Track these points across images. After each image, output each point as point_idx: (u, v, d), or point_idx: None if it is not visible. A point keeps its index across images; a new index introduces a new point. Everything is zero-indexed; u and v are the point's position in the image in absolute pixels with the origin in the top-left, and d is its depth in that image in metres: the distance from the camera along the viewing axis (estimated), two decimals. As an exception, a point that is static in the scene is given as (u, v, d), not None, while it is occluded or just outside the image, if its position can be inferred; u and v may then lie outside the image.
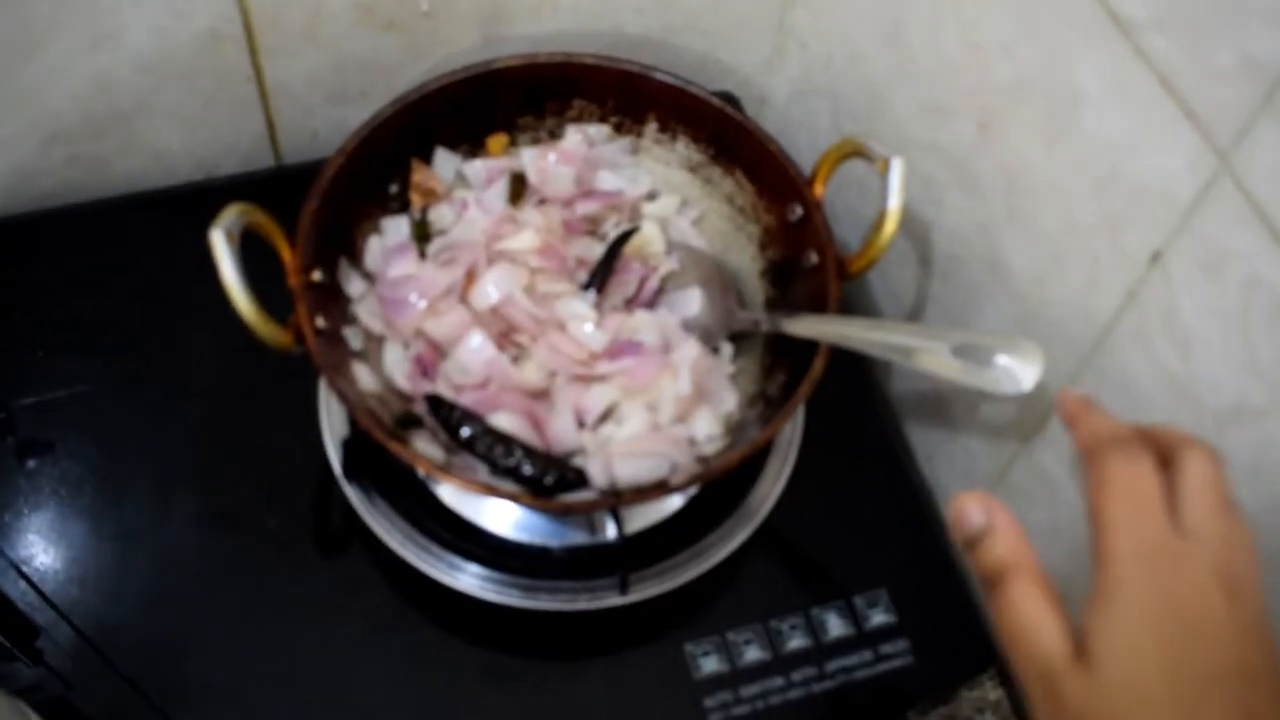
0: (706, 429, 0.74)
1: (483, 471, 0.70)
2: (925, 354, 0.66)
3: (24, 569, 0.75)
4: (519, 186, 0.81)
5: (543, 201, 0.81)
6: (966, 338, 0.66)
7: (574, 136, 0.83)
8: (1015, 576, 0.47)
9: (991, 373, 0.65)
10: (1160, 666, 0.43)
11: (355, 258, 0.78)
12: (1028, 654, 0.45)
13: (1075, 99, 0.67)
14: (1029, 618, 0.46)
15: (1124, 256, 0.67)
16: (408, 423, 0.72)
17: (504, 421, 0.72)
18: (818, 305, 0.73)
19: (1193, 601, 0.44)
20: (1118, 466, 0.47)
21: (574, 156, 0.80)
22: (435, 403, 0.73)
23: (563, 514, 0.75)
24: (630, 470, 0.70)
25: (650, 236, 0.80)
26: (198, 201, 0.90)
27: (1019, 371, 0.64)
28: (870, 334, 0.68)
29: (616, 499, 0.67)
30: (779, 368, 0.75)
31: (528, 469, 0.70)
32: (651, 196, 0.84)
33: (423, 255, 0.78)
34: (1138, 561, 0.45)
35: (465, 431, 0.71)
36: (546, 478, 0.70)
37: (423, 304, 0.75)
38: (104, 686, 0.72)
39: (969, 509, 0.49)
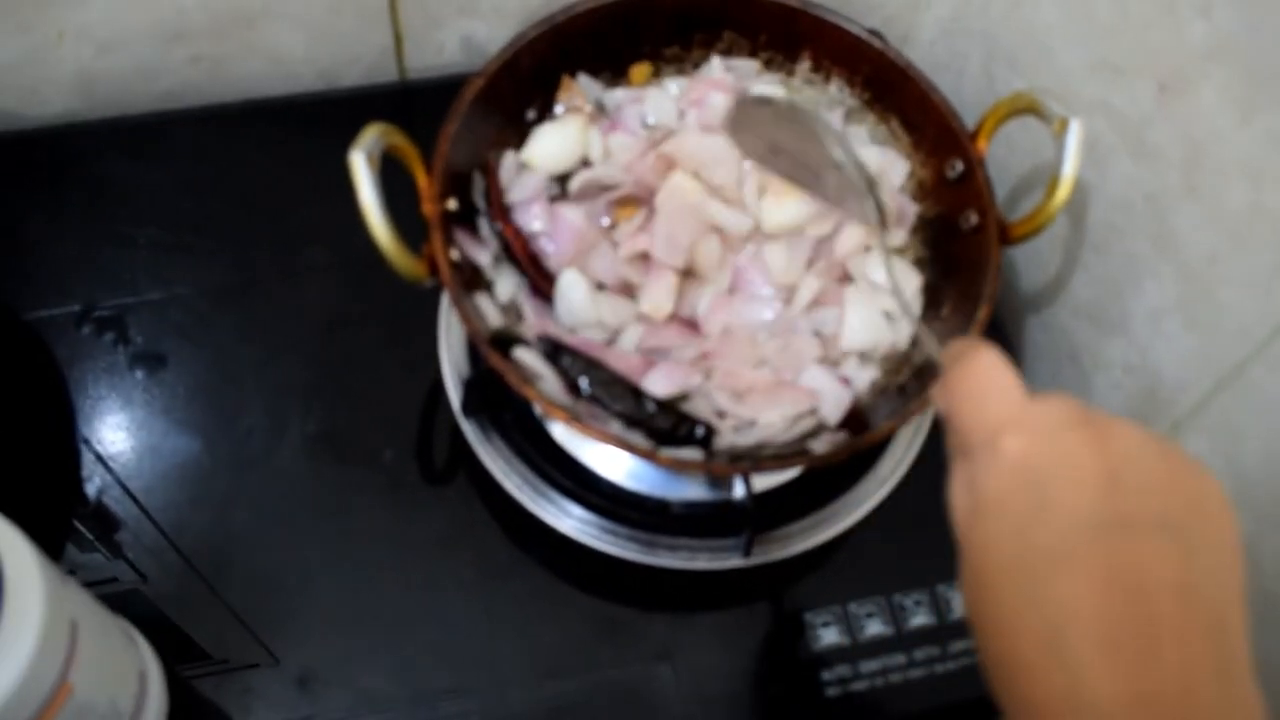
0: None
1: (615, 424, 0.66)
2: None
3: (128, 484, 0.74)
4: None
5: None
6: None
7: (717, 68, 0.79)
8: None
9: None
10: (1009, 542, 0.40)
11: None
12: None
13: (1284, 70, 0.62)
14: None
15: (1320, 246, 0.62)
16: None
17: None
18: (975, 270, 0.69)
19: (1047, 456, 0.41)
20: (955, 368, 0.46)
21: (725, 84, 0.76)
22: (553, 349, 0.69)
23: (699, 474, 0.72)
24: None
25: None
26: (318, 112, 0.90)
27: None
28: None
29: (754, 464, 0.64)
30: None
31: (659, 422, 0.67)
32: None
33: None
34: (987, 434, 0.42)
35: (583, 384, 0.67)
36: (679, 430, 0.67)
37: (552, 249, 0.72)
38: (184, 589, 0.71)
39: (936, 398, 0.48)
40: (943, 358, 0.47)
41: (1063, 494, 0.40)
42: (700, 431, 0.67)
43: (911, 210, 0.76)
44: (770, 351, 0.70)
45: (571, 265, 0.71)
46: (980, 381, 0.44)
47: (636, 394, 0.67)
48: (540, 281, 0.71)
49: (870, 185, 0.70)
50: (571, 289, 0.71)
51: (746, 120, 0.73)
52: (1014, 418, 0.42)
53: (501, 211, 0.72)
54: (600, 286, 0.72)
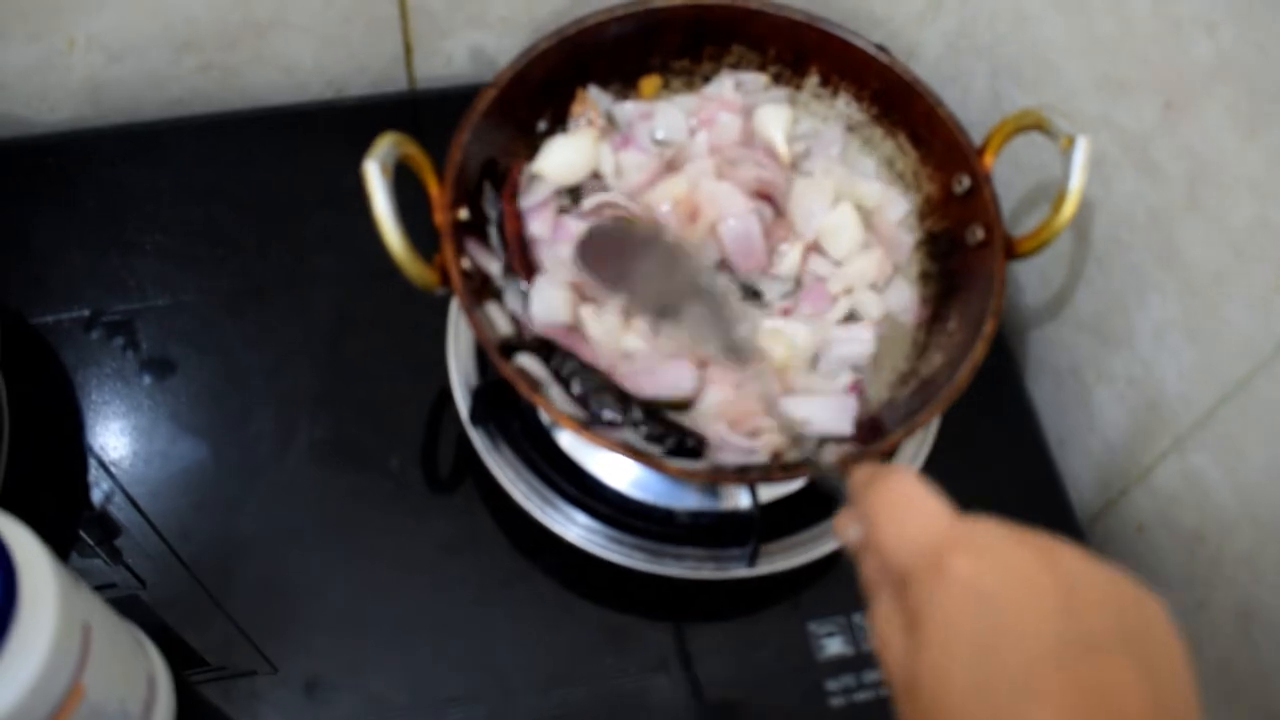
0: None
1: (624, 433, 0.67)
2: None
3: (133, 490, 0.75)
4: None
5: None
6: None
7: (726, 82, 0.79)
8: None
9: None
10: (968, 669, 0.37)
11: (498, 191, 0.75)
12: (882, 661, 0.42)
13: (1288, 88, 0.62)
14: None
15: (1323, 262, 0.62)
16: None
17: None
18: (980, 284, 0.70)
19: (998, 575, 0.38)
20: (873, 491, 0.44)
21: (734, 104, 0.77)
22: (546, 350, 0.70)
23: (705, 484, 0.73)
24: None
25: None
26: (327, 121, 0.90)
27: None
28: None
29: (761, 474, 0.65)
30: (934, 348, 0.72)
31: (645, 430, 0.67)
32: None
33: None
34: (926, 556, 0.40)
35: (576, 387, 0.68)
36: (666, 440, 0.67)
37: (556, 257, 0.73)
38: (187, 599, 0.71)
39: (844, 528, 0.46)
40: (851, 484, 0.46)
41: (1022, 615, 0.37)
42: (691, 443, 0.67)
43: (907, 241, 0.77)
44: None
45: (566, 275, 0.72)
46: (904, 504, 0.42)
47: (626, 401, 0.68)
48: (521, 269, 0.72)
49: (729, 321, 0.67)
50: (547, 288, 0.72)
51: (600, 247, 0.72)
52: (954, 537, 0.40)
53: (511, 196, 0.74)
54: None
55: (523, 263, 0.73)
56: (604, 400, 0.67)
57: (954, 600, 0.38)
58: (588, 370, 0.68)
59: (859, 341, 0.73)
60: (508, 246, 0.72)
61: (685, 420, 0.69)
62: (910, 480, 0.43)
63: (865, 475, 0.45)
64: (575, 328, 0.71)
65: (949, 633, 0.38)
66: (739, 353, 0.66)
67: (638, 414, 0.67)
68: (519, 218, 0.73)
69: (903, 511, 0.42)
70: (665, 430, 0.67)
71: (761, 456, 0.67)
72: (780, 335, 0.72)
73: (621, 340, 0.71)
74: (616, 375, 0.69)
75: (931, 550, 0.40)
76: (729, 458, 0.67)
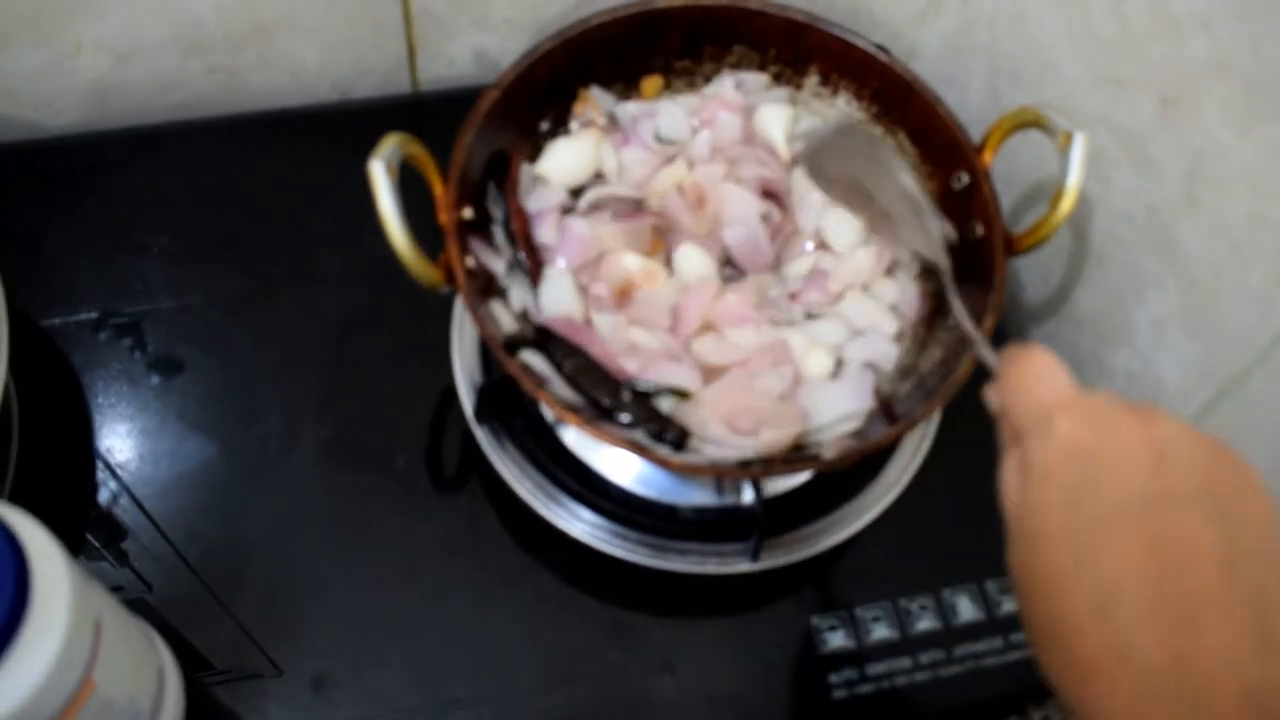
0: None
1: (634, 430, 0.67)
2: None
3: (140, 491, 0.75)
4: None
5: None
6: None
7: (727, 82, 0.80)
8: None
9: None
10: (1060, 510, 0.44)
11: (501, 188, 0.76)
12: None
13: (1282, 84, 0.63)
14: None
15: (1320, 255, 0.63)
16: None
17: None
18: (981, 280, 0.70)
19: (1097, 435, 0.44)
20: (1010, 366, 0.50)
21: (735, 104, 0.78)
22: (543, 336, 0.70)
23: (708, 479, 0.73)
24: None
25: None
26: (332, 123, 0.91)
27: None
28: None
29: (763, 469, 0.65)
30: (934, 343, 0.73)
31: (632, 414, 0.67)
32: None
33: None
34: (1039, 416, 0.46)
35: (567, 367, 0.68)
36: (649, 425, 0.67)
37: (563, 264, 0.73)
38: (193, 601, 0.72)
39: (989, 397, 0.52)
40: (1000, 360, 0.51)
41: (1112, 469, 0.43)
42: (671, 436, 0.67)
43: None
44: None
45: (576, 273, 0.73)
46: (1033, 373, 0.49)
47: (615, 384, 0.68)
48: (530, 260, 0.73)
49: (928, 226, 0.73)
50: (557, 281, 0.72)
51: (822, 158, 0.77)
52: (1064, 402, 0.46)
53: (514, 190, 0.74)
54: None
55: (531, 256, 0.73)
56: (595, 383, 0.68)
57: (1054, 454, 0.45)
58: (578, 354, 0.69)
59: (883, 343, 0.74)
60: (515, 241, 0.73)
61: (678, 414, 0.69)
62: (1044, 355, 0.49)
63: (1010, 353, 0.51)
64: (581, 321, 0.72)
65: (1047, 480, 0.44)
66: (934, 250, 0.71)
67: (627, 396, 0.68)
68: (523, 214, 0.74)
69: (1030, 382, 0.48)
70: (650, 416, 0.67)
71: (758, 453, 0.68)
72: (816, 344, 0.73)
73: (628, 334, 0.71)
74: (618, 366, 0.69)
75: (1045, 411, 0.46)
76: (723, 453, 0.67)
